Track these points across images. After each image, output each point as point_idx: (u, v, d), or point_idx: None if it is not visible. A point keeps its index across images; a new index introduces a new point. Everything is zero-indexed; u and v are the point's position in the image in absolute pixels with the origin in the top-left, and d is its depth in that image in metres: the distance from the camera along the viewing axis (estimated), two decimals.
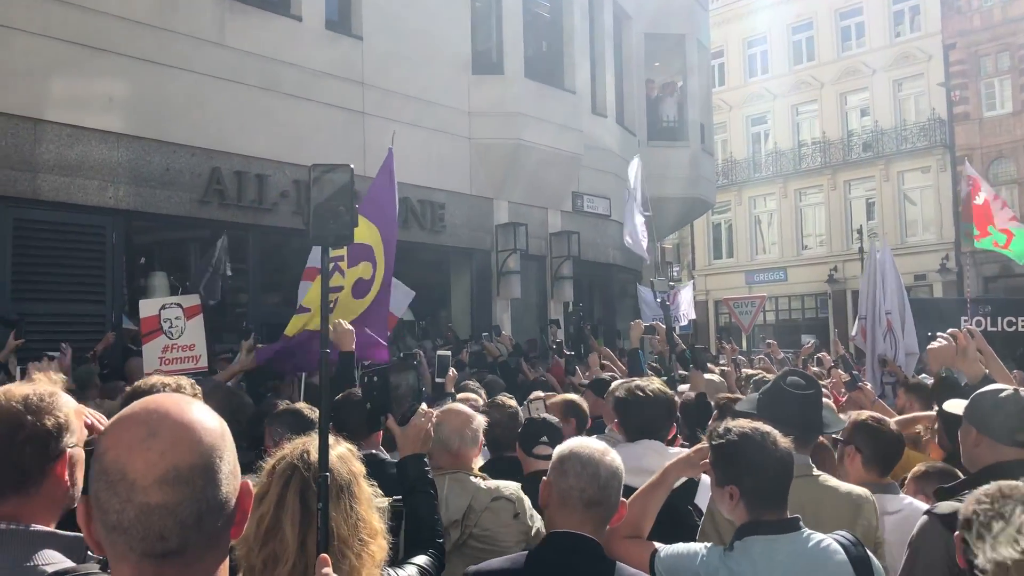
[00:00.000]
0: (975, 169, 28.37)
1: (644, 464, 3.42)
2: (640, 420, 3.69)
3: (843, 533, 2.69)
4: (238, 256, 10.74)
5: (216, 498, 1.21)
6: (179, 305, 5.93)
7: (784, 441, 2.68)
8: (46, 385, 2.07)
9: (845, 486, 3.23)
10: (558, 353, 10.04)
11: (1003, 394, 3.16)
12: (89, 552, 1.95)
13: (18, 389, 2.02)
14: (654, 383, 3.88)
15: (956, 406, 3.39)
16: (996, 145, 28.90)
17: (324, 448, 1.92)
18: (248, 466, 3.06)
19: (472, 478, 3.58)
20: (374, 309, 6.02)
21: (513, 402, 4.75)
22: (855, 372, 6.82)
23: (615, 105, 16.92)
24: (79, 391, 5.70)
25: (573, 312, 15.32)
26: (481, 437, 3.78)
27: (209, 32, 10.22)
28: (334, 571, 2.06)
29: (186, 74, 9.90)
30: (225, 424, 1.31)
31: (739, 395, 5.17)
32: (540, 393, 5.78)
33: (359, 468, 2.20)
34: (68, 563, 1.88)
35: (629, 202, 12.83)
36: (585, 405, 5.32)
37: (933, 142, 30.24)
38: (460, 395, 5.47)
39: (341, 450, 2.21)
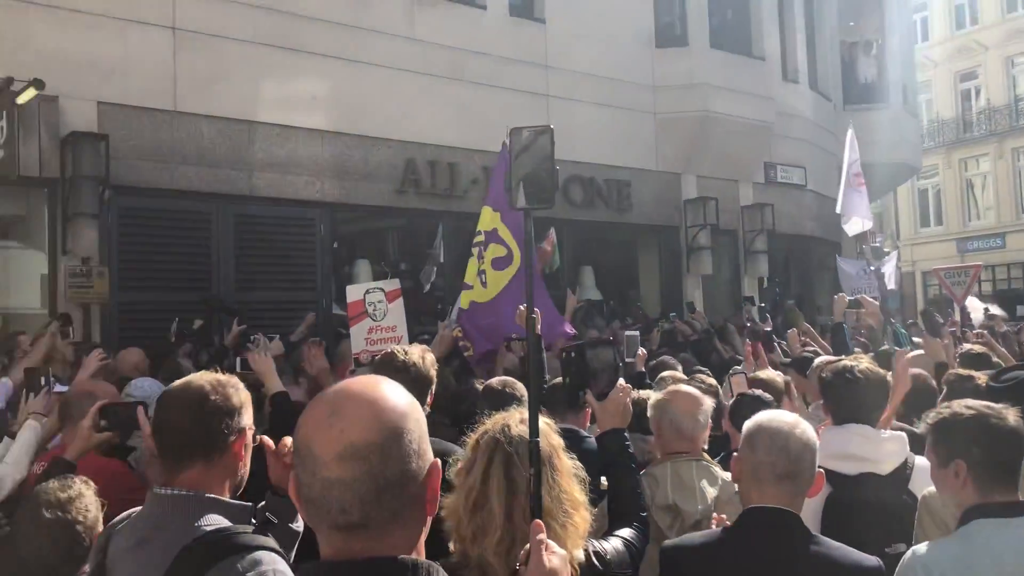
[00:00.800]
0: None
1: (851, 450, 3.26)
2: (849, 404, 3.45)
3: None
4: (431, 243, 11.16)
5: (395, 474, 1.27)
6: (381, 289, 6.24)
7: (1014, 414, 2.50)
8: (229, 376, 2.32)
9: None
10: (751, 335, 9.74)
11: None
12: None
13: (205, 375, 2.28)
14: (863, 362, 3.64)
15: None
16: None
17: (534, 414, 1.96)
18: (453, 441, 3.22)
19: (713, 467, 3.56)
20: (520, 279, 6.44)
21: (712, 379, 4.67)
22: None
23: (807, 69, 16.15)
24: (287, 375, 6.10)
25: (768, 287, 14.84)
26: (709, 420, 3.73)
27: (399, 27, 10.64)
28: None
29: (379, 69, 10.37)
30: (416, 403, 1.36)
31: (966, 371, 4.81)
32: (740, 368, 5.63)
33: (558, 441, 2.24)
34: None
35: (847, 182, 12.21)
36: (781, 383, 5.13)
37: None
38: (665, 373, 5.42)
39: (540, 424, 2.27)
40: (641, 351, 5.93)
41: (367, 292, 6.23)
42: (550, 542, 1.71)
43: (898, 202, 33.45)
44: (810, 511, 3.01)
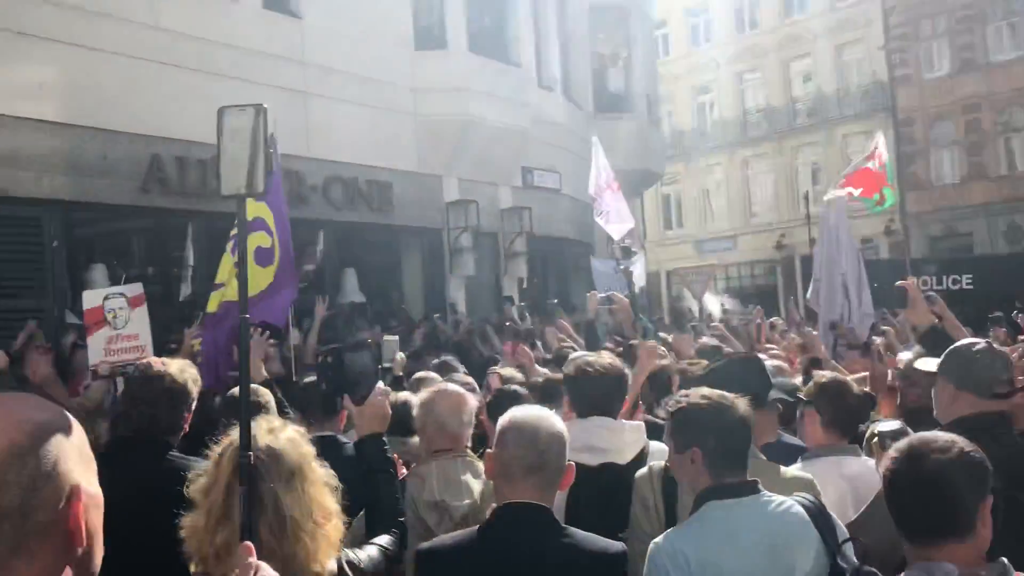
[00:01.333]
0: (918, 130, 28.84)
1: (594, 442, 3.37)
2: (590, 397, 3.58)
3: (803, 494, 2.68)
4: (182, 245, 10.50)
5: (13, 501, 1.12)
6: (123, 295, 5.75)
7: (744, 404, 2.68)
8: None
9: (790, 471, 3.19)
10: (511, 334, 10.00)
11: (977, 348, 3.20)
12: None
13: None
14: (604, 358, 3.79)
15: (929, 363, 3.41)
16: (936, 106, 29.39)
17: (246, 425, 1.86)
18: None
19: (477, 463, 3.54)
20: (280, 277, 6.05)
21: (470, 379, 4.70)
22: (807, 329, 6.90)
23: (561, 78, 16.85)
24: None
25: (528, 288, 15.32)
26: (473, 418, 3.73)
27: (140, 14, 9.92)
28: (290, 553, 2.02)
29: (119, 58, 9.60)
30: (57, 421, 1.20)
31: (700, 361, 5.16)
32: (497, 368, 5.72)
33: (309, 450, 2.17)
34: None
35: (602, 188, 12.33)
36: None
37: (875, 106, 30.66)
38: (420, 373, 5.39)
39: (289, 433, 2.18)
40: (399, 356, 5.89)
41: (106, 298, 5.72)
42: (262, 564, 1.63)
43: (644, 207, 35.73)
44: (559, 503, 3.11)
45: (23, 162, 8.83)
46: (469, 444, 3.74)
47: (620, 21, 19.84)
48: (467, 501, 3.42)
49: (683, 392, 2.92)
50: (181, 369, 3.34)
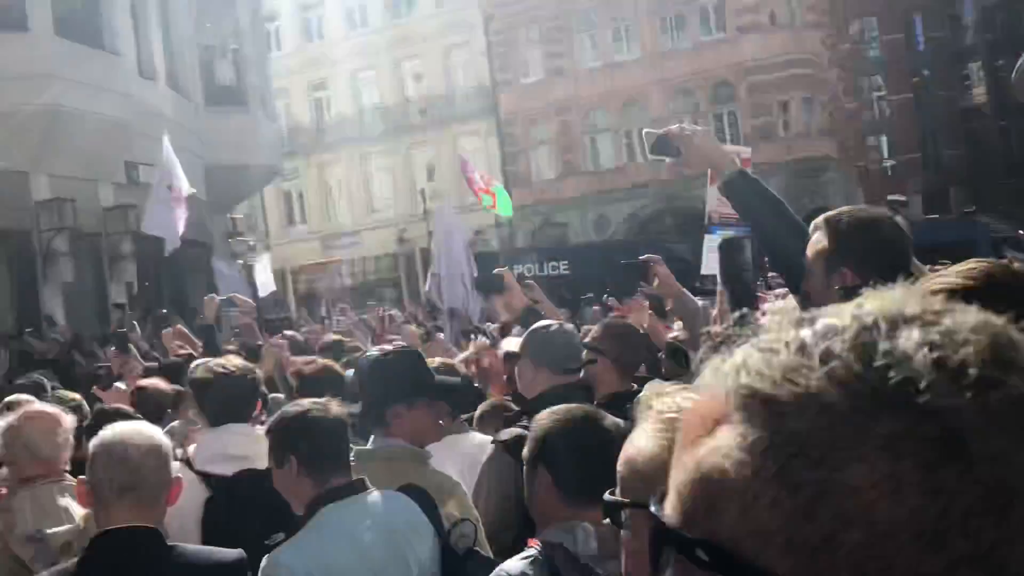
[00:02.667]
0: (518, 131, 31.38)
1: (231, 451, 3.21)
2: (223, 402, 3.37)
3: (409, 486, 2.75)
4: None
5: None
6: None
7: (336, 405, 2.69)
8: None
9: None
10: (119, 344, 9.19)
11: (552, 328, 3.54)
12: None
13: None
14: (234, 360, 3.65)
15: (513, 344, 3.71)
16: (533, 109, 32.13)
17: None
18: None
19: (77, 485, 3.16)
20: None
21: (76, 395, 4.26)
22: (428, 326, 7.18)
23: (165, 68, 15.86)
24: None
25: (138, 294, 14.24)
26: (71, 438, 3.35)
27: None
28: None
29: None
30: None
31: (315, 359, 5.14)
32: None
33: None
34: None
35: (160, 186, 10.82)
36: (169, 390, 4.91)
37: (482, 107, 32.76)
38: (10, 397, 4.77)
39: None
40: None
41: None
42: None
43: (266, 203, 34.95)
44: (190, 519, 2.92)
45: None
46: (67, 467, 3.40)
47: (227, 12, 19.13)
48: (66, 527, 3.10)
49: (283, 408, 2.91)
50: None
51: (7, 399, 4.79)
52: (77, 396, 4.78)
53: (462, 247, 9.23)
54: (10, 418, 3.48)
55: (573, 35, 31.82)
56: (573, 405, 2.29)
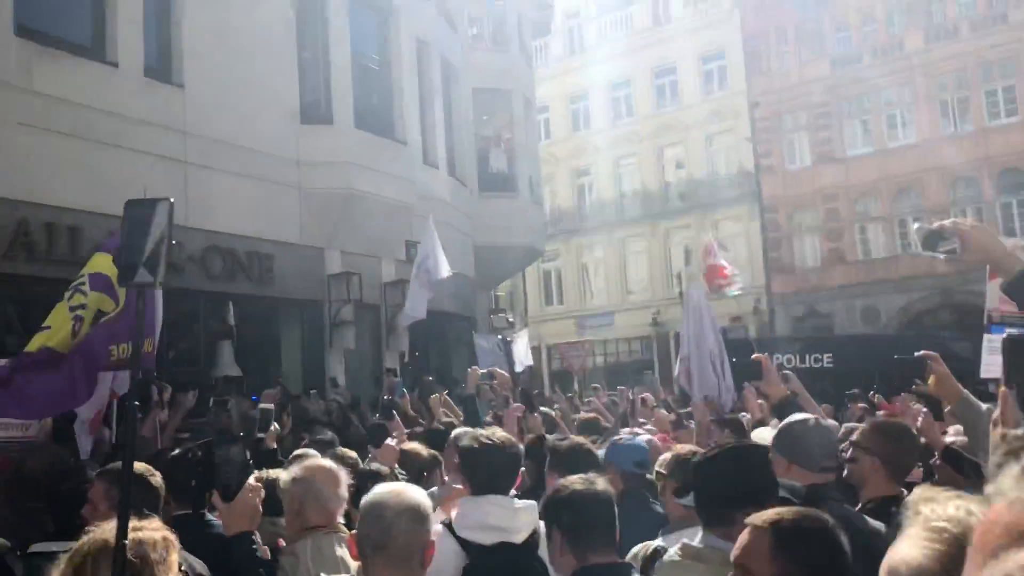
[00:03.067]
0: (781, 217, 30.53)
1: (491, 521, 3.27)
2: (488, 472, 3.45)
3: None
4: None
5: None
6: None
7: (603, 481, 2.74)
8: None
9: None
10: (383, 412, 9.90)
11: (808, 424, 3.44)
12: None
13: None
14: (498, 432, 3.73)
15: (763, 436, 3.63)
16: (798, 195, 31.24)
17: (125, 515, 1.82)
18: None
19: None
20: (95, 341, 5.62)
21: (352, 453, 4.63)
22: (679, 412, 7.13)
23: (446, 156, 17.16)
24: None
25: (408, 362, 15.25)
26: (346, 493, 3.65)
27: (14, 76, 9.64)
28: None
29: None
30: None
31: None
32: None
33: (172, 559, 2.12)
34: None
35: (422, 269, 12.26)
36: (426, 454, 5.25)
37: (743, 193, 32.35)
38: (298, 451, 5.30)
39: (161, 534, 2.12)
40: (274, 427, 5.78)
41: None
42: None
43: (526, 283, 36.37)
44: None
45: None
46: (343, 520, 3.70)
47: (503, 104, 20.45)
48: (343, 575, 3.37)
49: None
50: None
51: (296, 452, 5.32)
52: (354, 454, 5.19)
53: (713, 332, 9.06)
54: (298, 470, 3.88)
55: (843, 120, 30.76)
56: (808, 511, 2.11)
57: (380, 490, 2.56)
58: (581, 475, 2.80)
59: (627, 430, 6.08)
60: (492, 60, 20.17)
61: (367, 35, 14.94)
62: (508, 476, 3.49)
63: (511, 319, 22.87)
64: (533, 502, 3.53)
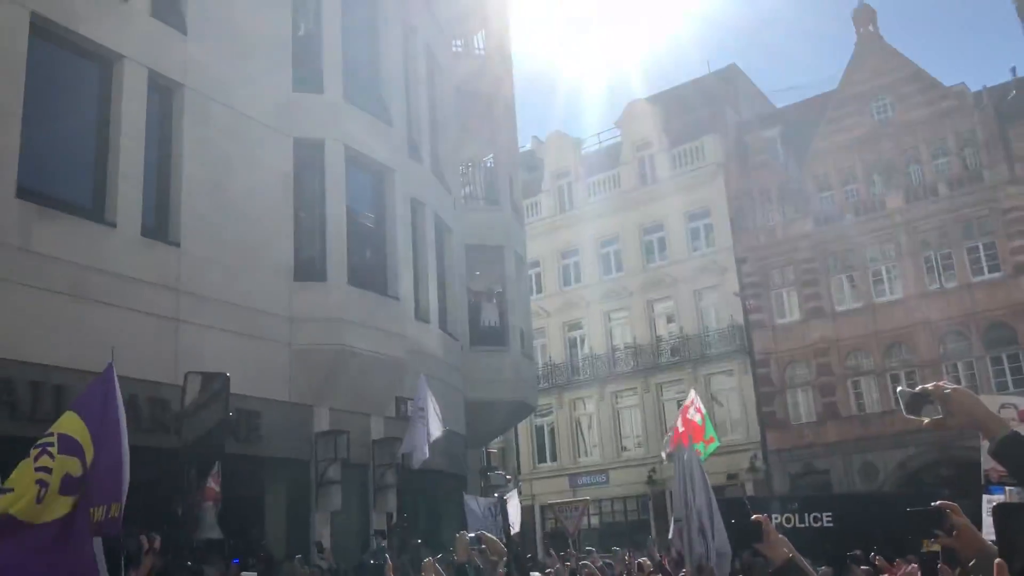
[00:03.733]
0: (774, 371, 30.54)
1: None
2: None
3: None
4: None
5: None
6: None
7: None
8: None
9: None
10: (380, 561, 9.61)
11: None
12: None
13: None
14: None
15: None
16: (789, 350, 31.34)
17: None
18: None
19: None
20: (77, 516, 5.46)
21: None
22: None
23: (438, 311, 17.27)
24: None
25: (396, 524, 14.78)
26: None
27: (14, 236, 9.77)
28: None
29: None
30: None
31: None
32: None
33: None
34: None
35: (418, 422, 13.06)
36: None
37: (734, 347, 32.46)
38: None
39: None
40: None
41: None
42: None
43: (519, 438, 35.88)
44: None
45: None
46: None
47: (496, 259, 20.79)
48: None
49: None
50: None
51: None
52: None
53: (704, 491, 8.85)
54: None
55: (830, 276, 31.28)
56: None
57: None
58: None
59: None
60: (484, 217, 20.67)
61: (363, 194, 15.33)
62: None
63: (507, 476, 22.43)
64: None
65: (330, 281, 13.81)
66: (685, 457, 8.75)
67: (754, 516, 5.21)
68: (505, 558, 8.22)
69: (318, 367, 13.35)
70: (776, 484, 30.06)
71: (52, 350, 9.86)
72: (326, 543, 12.77)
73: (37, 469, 5.46)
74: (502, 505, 13.65)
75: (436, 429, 12.73)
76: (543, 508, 33.17)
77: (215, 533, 11.55)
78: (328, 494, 13.18)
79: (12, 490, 5.45)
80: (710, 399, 33.02)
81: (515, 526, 14.67)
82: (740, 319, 32.54)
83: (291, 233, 13.68)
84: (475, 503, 14.47)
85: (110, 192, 11.14)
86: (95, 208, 11.03)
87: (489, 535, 9.23)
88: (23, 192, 10.05)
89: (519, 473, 34.10)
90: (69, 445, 5.61)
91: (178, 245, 11.78)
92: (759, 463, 30.74)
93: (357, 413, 14.19)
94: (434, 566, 7.71)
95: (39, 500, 5.36)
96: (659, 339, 34.75)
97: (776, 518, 13.88)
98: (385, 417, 15.01)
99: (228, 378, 1.94)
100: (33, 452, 5.62)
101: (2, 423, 9.37)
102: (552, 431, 36.79)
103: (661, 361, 34.10)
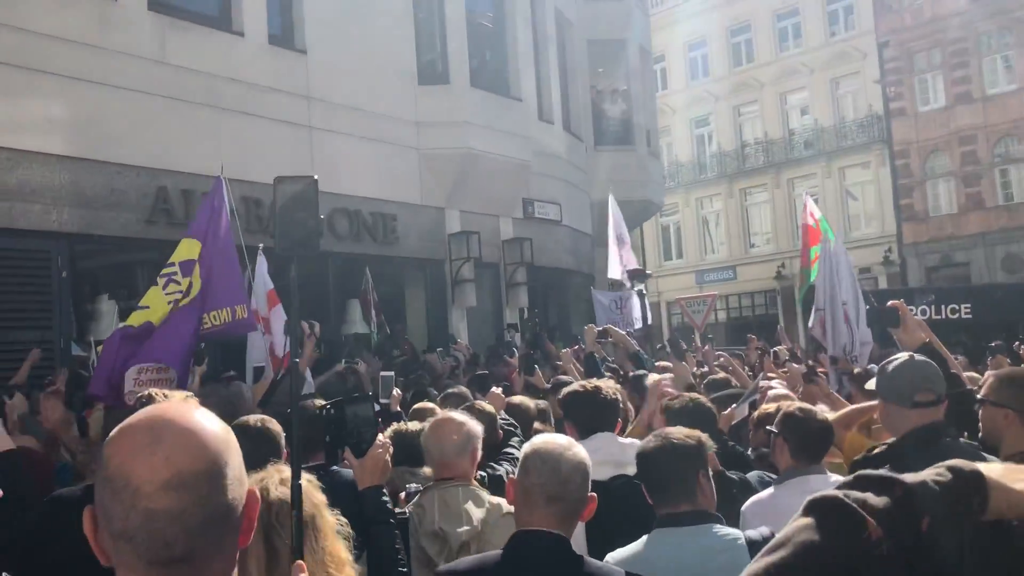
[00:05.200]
0: (913, 162, 29.08)
1: (601, 456, 3.44)
2: (587, 415, 3.84)
3: (761, 529, 2.89)
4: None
5: (222, 504, 1.20)
6: None
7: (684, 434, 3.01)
8: None
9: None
10: (508, 353, 10.14)
11: (898, 361, 3.30)
12: None
13: None
14: (595, 381, 4.08)
15: (872, 384, 3.53)
16: (931, 139, 29.65)
17: (297, 486, 1.92)
18: None
19: (480, 491, 3.57)
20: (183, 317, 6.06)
21: (491, 407, 4.64)
22: (811, 363, 6.93)
23: (561, 111, 17.03)
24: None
25: (528, 318, 15.37)
26: (478, 445, 3.72)
27: (149, 49, 10.07)
28: None
29: (127, 92, 9.73)
30: (229, 430, 1.29)
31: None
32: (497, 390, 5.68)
33: (320, 499, 2.20)
34: None
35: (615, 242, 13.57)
36: (533, 408, 5.26)
37: (872, 138, 30.94)
38: (419, 404, 5.43)
39: (302, 482, 2.21)
40: (396, 392, 5.99)
41: None
42: None
43: (644, 237, 35.95)
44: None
45: (31, 195, 8.93)
46: (475, 472, 3.76)
47: (619, 55, 20.10)
48: (465, 528, 3.42)
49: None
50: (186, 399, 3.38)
51: (416, 406, 5.44)
52: (491, 408, 5.14)
53: (849, 281, 8.74)
54: (425, 425, 3.97)
55: (982, 57, 28.87)
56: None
57: (549, 442, 2.62)
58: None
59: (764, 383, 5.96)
60: (606, 9, 19.79)
61: None
62: (608, 417, 3.86)
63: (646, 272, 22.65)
64: (636, 440, 3.66)
65: (453, 84, 13.74)
66: (832, 249, 8.57)
67: (890, 302, 5.19)
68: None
69: (446, 171, 13.56)
70: (911, 278, 29.36)
71: (195, 159, 10.34)
72: (462, 337, 13.47)
73: (167, 293, 6.06)
74: (628, 298, 13.88)
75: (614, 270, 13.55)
76: (669, 304, 33.60)
77: (362, 328, 12.36)
78: (463, 292, 13.74)
79: (148, 307, 6.09)
80: (844, 193, 31.94)
81: (639, 321, 14.76)
82: (879, 108, 30.78)
83: (412, 36, 13.55)
84: (603, 296, 14.78)
85: (235, 1, 11.23)
86: (222, 17, 11.18)
87: (616, 328, 9.52)
88: (154, 4, 10.25)
89: (645, 270, 34.30)
90: (189, 268, 6.17)
91: (304, 52, 11.89)
92: (894, 256, 29.95)
93: (486, 215, 14.48)
94: (570, 356, 8.07)
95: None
96: (792, 132, 33.41)
97: (912, 310, 13.66)
98: (513, 218, 15.27)
99: (316, 180, 2.05)
100: (160, 280, 6.21)
101: (161, 228, 10.05)
102: (678, 229, 36.64)
103: (793, 155, 32.95)
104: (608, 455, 3.48)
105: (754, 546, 2.72)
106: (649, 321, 16.77)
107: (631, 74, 20.02)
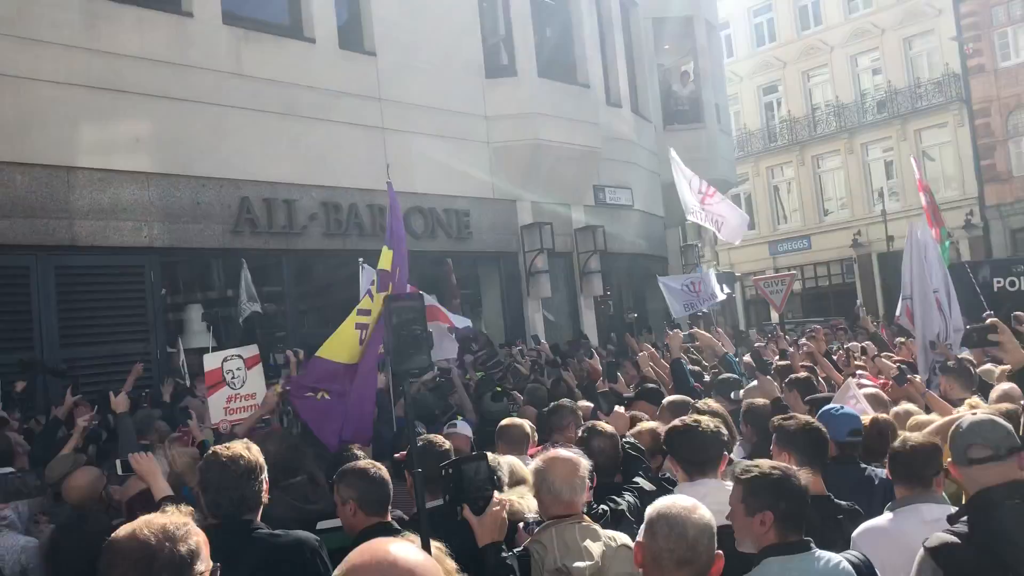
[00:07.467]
0: (994, 120, 28.03)
1: (710, 506, 3.41)
2: (690, 451, 3.76)
3: (855, 552, 3.01)
4: (273, 281, 10.90)
5: None
6: (240, 356, 6.04)
7: (804, 474, 3.04)
8: (178, 516, 2.16)
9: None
10: (587, 354, 10.13)
11: (960, 420, 3.32)
12: None
13: (155, 519, 2.11)
14: (705, 417, 3.95)
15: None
16: (1014, 95, 28.53)
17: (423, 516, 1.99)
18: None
19: (593, 526, 3.64)
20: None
21: (612, 428, 4.64)
22: (903, 366, 6.82)
23: (629, 94, 16.86)
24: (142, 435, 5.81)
25: (602, 302, 15.33)
26: (588, 481, 3.73)
27: (226, 63, 10.31)
28: None
29: (206, 107, 10.01)
30: (433, 560, 1.42)
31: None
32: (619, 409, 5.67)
33: (451, 565, 2.27)
34: None
35: (698, 198, 12.29)
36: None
37: (949, 97, 29.90)
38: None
39: (431, 550, 2.29)
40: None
41: (225, 360, 6.01)
42: None
43: None
44: None
45: (123, 213, 9.28)
46: (584, 508, 3.81)
47: (685, 30, 19.77)
48: (588, 563, 3.50)
49: (751, 463, 3.18)
50: (247, 447, 3.47)
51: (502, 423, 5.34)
52: (612, 430, 4.88)
53: (939, 268, 8.51)
54: (537, 461, 4.01)
55: None
56: None
57: (674, 505, 2.66)
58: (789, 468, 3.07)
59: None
60: None
61: None
62: (713, 454, 3.75)
63: (698, 251, 22.40)
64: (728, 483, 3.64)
65: (520, 75, 13.73)
66: (919, 235, 8.35)
67: (989, 320, 5.03)
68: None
69: (516, 162, 13.59)
70: (994, 241, 28.43)
71: (275, 167, 10.59)
72: (539, 327, 13.55)
73: (359, 313, 5.75)
74: (701, 277, 13.57)
75: (718, 293, 12.67)
76: (743, 277, 33.17)
77: (459, 322, 12.46)
78: (537, 283, 13.80)
79: (369, 312, 5.76)
80: (921, 156, 30.99)
81: (717, 297, 14.32)
82: (956, 66, 29.70)
83: (478, 29, 13.57)
84: (672, 281, 14.49)
85: (305, 8, 11.39)
86: (293, 25, 11.35)
87: (702, 332, 9.44)
88: (228, 17, 10.47)
89: (716, 244, 33.89)
90: (384, 279, 5.86)
91: (374, 54, 12.01)
92: (976, 220, 29.00)
93: (557, 204, 14.48)
94: (647, 359, 8.05)
95: (361, 342, 5.69)
96: (863, 95, 32.48)
97: (999, 281, 13.25)
98: (584, 206, 15.22)
99: (422, 296, 2.14)
100: (372, 289, 5.92)
101: (246, 238, 10.33)
102: (748, 199, 36.02)
103: (866, 119, 32.05)
104: (716, 503, 3.45)
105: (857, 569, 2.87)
106: (730, 291, 16.53)
107: (698, 50, 19.69)
